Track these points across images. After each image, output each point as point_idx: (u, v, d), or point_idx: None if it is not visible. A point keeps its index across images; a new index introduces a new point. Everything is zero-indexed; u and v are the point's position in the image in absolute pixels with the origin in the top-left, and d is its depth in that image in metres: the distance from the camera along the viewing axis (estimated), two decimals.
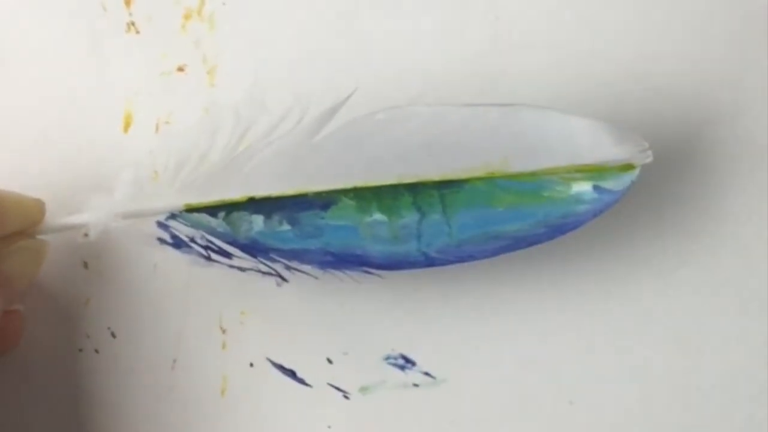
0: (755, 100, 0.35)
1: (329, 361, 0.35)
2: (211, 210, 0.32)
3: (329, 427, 0.35)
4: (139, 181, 0.32)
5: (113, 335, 0.35)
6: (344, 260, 0.32)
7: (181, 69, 0.35)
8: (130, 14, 0.36)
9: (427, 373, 0.35)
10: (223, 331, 0.35)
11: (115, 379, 0.35)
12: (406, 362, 0.35)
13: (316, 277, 0.33)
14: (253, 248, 0.32)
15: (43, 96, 0.35)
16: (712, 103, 0.35)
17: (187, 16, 0.35)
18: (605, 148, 0.31)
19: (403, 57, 0.35)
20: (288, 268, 0.32)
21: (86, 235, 0.33)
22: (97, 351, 0.35)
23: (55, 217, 0.32)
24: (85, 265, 0.35)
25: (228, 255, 0.32)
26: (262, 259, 0.32)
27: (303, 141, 0.31)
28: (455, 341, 0.35)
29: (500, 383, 0.35)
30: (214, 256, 0.32)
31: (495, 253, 0.32)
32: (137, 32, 0.36)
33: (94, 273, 0.35)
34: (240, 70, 0.35)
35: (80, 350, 0.35)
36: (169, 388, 0.35)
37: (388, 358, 0.35)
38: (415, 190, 0.32)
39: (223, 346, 0.35)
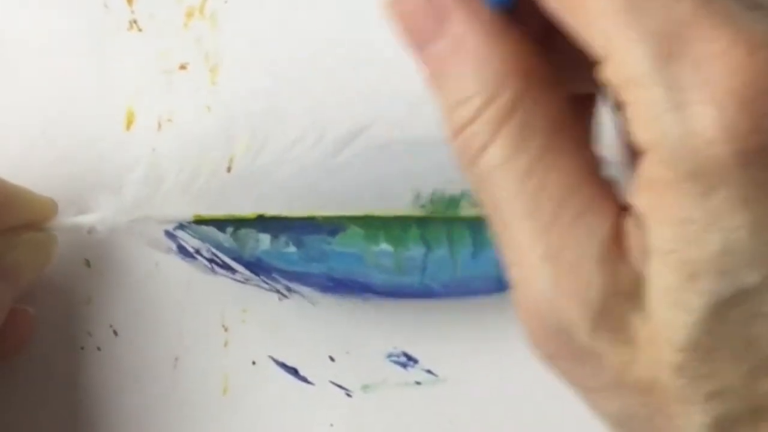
0: None
1: (331, 359, 0.35)
2: (220, 224, 0.32)
3: (331, 425, 0.35)
4: (150, 183, 0.32)
5: (115, 333, 0.35)
6: (346, 286, 0.32)
7: (183, 67, 0.35)
8: (132, 12, 0.36)
9: (429, 371, 0.35)
10: (225, 329, 0.35)
11: (117, 377, 0.35)
12: (408, 360, 0.35)
13: (313, 304, 0.33)
14: (257, 266, 0.32)
15: (44, 94, 0.35)
16: None
17: (189, 14, 0.35)
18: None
19: (404, 56, 0.35)
20: (289, 289, 0.32)
21: (90, 232, 0.33)
22: (99, 349, 0.35)
23: (64, 215, 0.32)
24: (88, 263, 0.35)
25: (231, 270, 0.32)
26: (264, 278, 0.32)
27: (318, 164, 0.31)
28: (457, 339, 0.35)
29: (502, 381, 0.35)
30: (217, 269, 0.32)
31: (498, 290, 0.32)
32: (139, 30, 0.35)
33: (97, 271, 0.35)
34: (242, 68, 0.35)
35: (82, 348, 0.35)
36: (171, 387, 0.35)
37: (390, 355, 0.35)
38: (424, 223, 0.32)
39: (225, 345, 0.35)
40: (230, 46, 0.35)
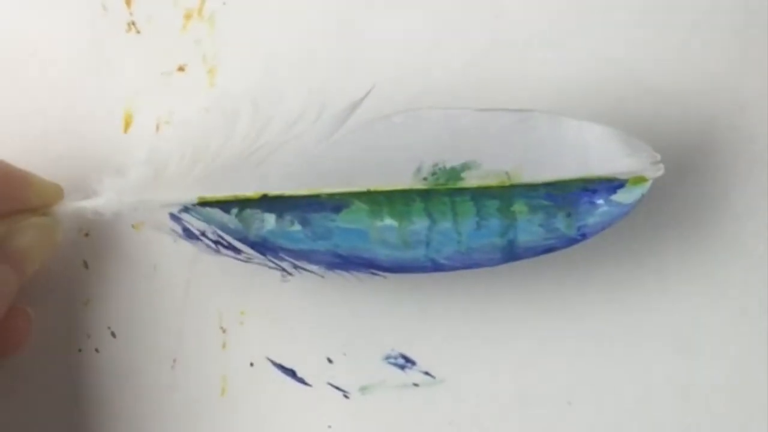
0: (756, 100, 0.35)
1: (329, 360, 0.35)
2: (224, 205, 0.32)
3: (329, 426, 0.35)
4: (154, 166, 0.32)
5: (113, 335, 0.35)
6: (352, 262, 0.32)
7: (181, 69, 0.35)
8: (131, 14, 0.36)
9: (426, 373, 0.35)
10: (223, 331, 0.35)
11: (115, 378, 0.35)
12: (406, 362, 0.35)
13: (322, 276, 0.33)
14: (262, 246, 0.32)
15: (43, 96, 0.35)
16: (712, 103, 0.35)
17: (187, 16, 0.36)
18: (617, 160, 0.31)
19: (402, 56, 0.35)
20: (295, 267, 0.32)
21: (87, 234, 0.34)
22: (97, 350, 0.35)
23: (69, 200, 0.33)
24: (86, 265, 0.35)
25: (237, 251, 0.32)
26: (270, 258, 0.32)
27: (318, 141, 0.32)
28: (455, 341, 0.35)
29: (499, 383, 0.35)
30: (222, 250, 0.32)
31: (503, 261, 0.32)
32: (138, 32, 0.36)
33: (95, 273, 0.35)
34: (240, 69, 0.35)
35: (80, 350, 0.35)
36: (169, 388, 0.35)
37: (388, 357, 0.35)
38: (428, 196, 0.32)
39: (223, 346, 0.35)
40: (228, 48, 0.35)
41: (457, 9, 0.36)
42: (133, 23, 0.36)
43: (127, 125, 0.35)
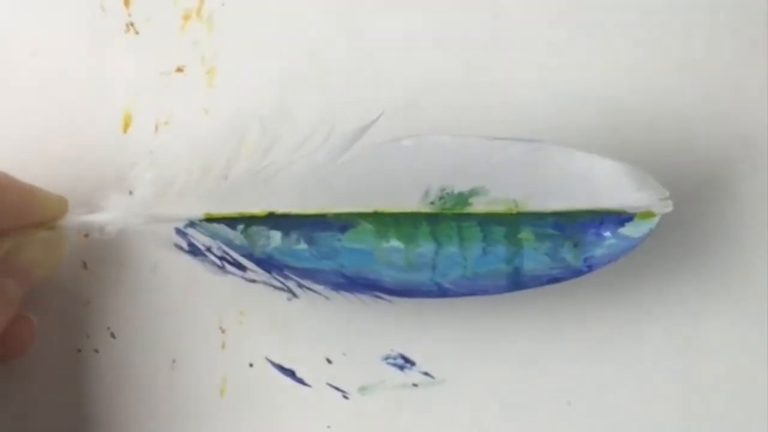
0: (755, 101, 0.35)
1: (328, 360, 0.35)
2: (231, 222, 0.32)
3: (328, 427, 0.35)
4: (161, 182, 0.32)
5: (113, 335, 0.35)
6: (357, 283, 0.32)
7: (180, 69, 0.35)
8: (129, 15, 0.36)
9: (426, 373, 0.35)
10: (223, 331, 0.35)
11: (114, 379, 0.35)
12: (405, 362, 0.35)
13: (327, 297, 0.33)
14: (268, 263, 0.32)
15: (42, 96, 0.35)
16: (712, 102, 0.35)
17: (186, 17, 0.35)
18: (626, 194, 0.31)
19: (402, 56, 0.35)
20: (300, 286, 0.32)
21: (86, 235, 0.34)
22: (96, 351, 0.35)
23: (75, 214, 0.32)
24: (85, 265, 0.35)
25: (242, 267, 0.32)
26: (275, 275, 0.32)
27: (327, 162, 0.31)
28: (455, 341, 0.35)
29: (499, 383, 0.35)
30: (228, 267, 0.32)
31: (507, 289, 0.32)
32: (136, 33, 0.36)
33: (94, 273, 0.35)
34: (238, 70, 0.35)
35: (79, 350, 0.35)
36: (169, 388, 0.35)
37: (387, 358, 0.35)
38: (435, 220, 0.32)
39: (223, 346, 0.35)
40: (227, 49, 0.35)
41: (457, 9, 0.35)
42: (132, 24, 0.36)
43: (127, 126, 0.35)
